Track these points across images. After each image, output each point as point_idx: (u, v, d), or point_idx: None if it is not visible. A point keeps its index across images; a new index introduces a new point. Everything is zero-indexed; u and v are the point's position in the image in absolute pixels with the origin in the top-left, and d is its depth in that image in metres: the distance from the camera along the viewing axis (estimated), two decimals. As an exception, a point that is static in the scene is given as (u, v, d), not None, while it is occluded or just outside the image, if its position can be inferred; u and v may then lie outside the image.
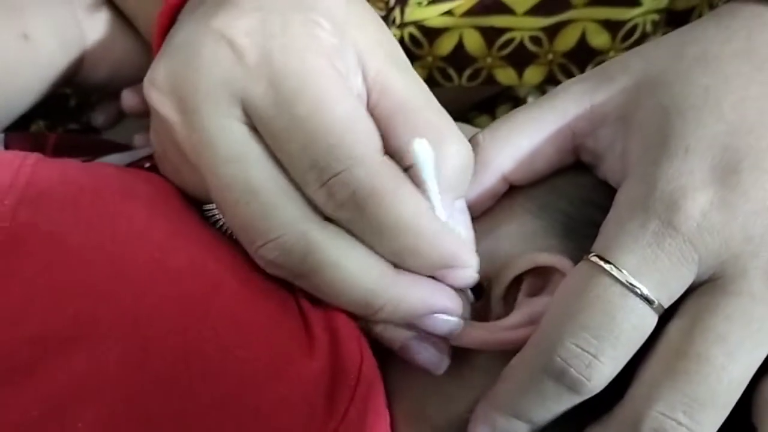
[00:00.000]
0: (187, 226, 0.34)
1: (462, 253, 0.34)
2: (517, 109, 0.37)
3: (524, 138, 0.36)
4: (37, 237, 0.32)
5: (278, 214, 0.32)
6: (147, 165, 0.43)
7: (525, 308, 0.34)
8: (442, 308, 0.34)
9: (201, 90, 0.33)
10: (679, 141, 0.31)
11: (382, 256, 0.33)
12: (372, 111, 0.34)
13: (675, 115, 0.32)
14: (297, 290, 0.35)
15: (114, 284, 0.31)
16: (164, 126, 0.35)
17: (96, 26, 0.49)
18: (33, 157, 0.34)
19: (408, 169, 0.33)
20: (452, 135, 0.34)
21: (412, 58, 0.52)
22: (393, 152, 0.34)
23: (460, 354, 0.35)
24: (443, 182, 0.33)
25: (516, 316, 0.34)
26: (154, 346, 0.31)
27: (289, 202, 0.32)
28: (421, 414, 0.36)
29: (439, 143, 0.33)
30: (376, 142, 0.33)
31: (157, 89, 0.34)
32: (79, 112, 0.57)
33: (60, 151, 0.47)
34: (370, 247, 0.33)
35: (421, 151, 0.32)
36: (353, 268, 0.33)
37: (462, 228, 0.35)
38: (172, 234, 0.33)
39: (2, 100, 0.46)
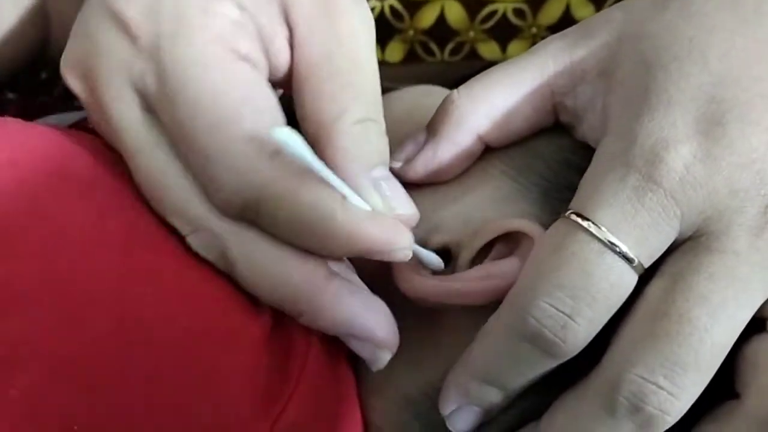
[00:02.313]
0: (131, 190, 0.32)
1: (388, 236, 0.30)
2: (494, 66, 0.35)
3: (501, 96, 0.34)
4: None
5: (189, 209, 0.30)
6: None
7: (485, 265, 0.33)
8: (366, 335, 0.31)
9: (102, 77, 0.31)
10: (662, 93, 0.30)
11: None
12: (293, 64, 0.32)
13: (657, 68, 0.31)
14: None
15: (48, 248, 0.29)
16: (86, 108, 0.33)
17: (61, 4, 0.47)
18: None
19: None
20: (357, 106, 0.31)
21: (393, 31, 0.51)
22: (304, 117, 0.31)
23: (430, 319, 0.34)
24: (350, 155, 0.31)
25: (473, 271, 0.32)
26: (89, 311, 0.29)
27: (198, 199, 0.30)
28: (391, 383, 0.35)
29: (341, 114, 0.31)
30: (269, 138, 0.29)
31: (70, 71, 0.32)
32: (51, 85, 0.55)
33: (24, 116, 0.45)
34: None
35: (285, 142, 0.28)
36: (271, 271, 0.30)
37: (394, 197, 0.32)
38: (113, 197, 0.31)
39: None
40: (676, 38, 0.31)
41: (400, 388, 0.34)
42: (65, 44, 0.45)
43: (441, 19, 0.50)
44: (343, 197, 0.30)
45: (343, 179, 0.30)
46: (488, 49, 0.51)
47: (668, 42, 0.31)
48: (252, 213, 0.30)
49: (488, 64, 0.53)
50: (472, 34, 0.51)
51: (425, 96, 0.42)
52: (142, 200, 0.32)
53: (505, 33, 0.50)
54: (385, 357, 0.32)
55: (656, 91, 0.30)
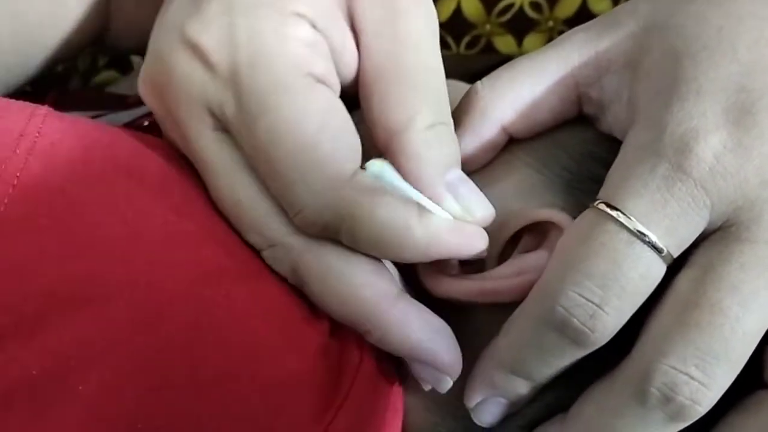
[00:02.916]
0: (201, 190, 0.33)
1: (467, 242, 0.31)
2: (519, 57, 0.35)
3: (526, 87, 0.34)
4: (49, 190, 0.30)
5: (266, 227, 0.31)
6: (146, 123, 0.41)
7: (515, 261, 0.32)
8: (431, 360, 0.31)
9: (181, 103, 0.31)
10: (691, 83, 0.30)
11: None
12: (359, 69, 0.32)
13: (686, 57, 0.30)
14: None
15: (126, 245, 0.29)
16: (162, 123, 0.34)
17: None
18: (44, 109, 0.32)
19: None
20: (427, 111, 0.31)
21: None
22: (374, 122, 0.32)
23: (458, 318, 0.34)
24: (424, 161, 0.31)
25: (504, 268, 0.32)
26: (165, 310, 0.29)
27: (275, 216, 0.31)
28: (417, 384, 0.34)
29: (412, 119, 0.31)
30: (346, 160, 0.30)
31: (146, 88, 0.33)
32: (66, 79, 0.55)
33: (60, 106, 0.45)
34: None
35: (378, 172, 0.29)
36: (343, 288, 0.31)
37: (471, 198, 0.32)
38: (186, 196, 0.32)
39: (25, 59, 0.43)
40: (705, 28, 0.31)
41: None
42: (124, 34, 0.45)
43: (457, 12, 0.50)
44: (420, 210, 0.30)
45: (420, 186, 0.30)
46: (504, 42, 0.51)
47: (697, 32, 0.31)
48: (332, 232, 0.30)
49: (504, 58, 0.53)
50: (488, 27, 0.50)
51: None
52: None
53: (521, 26, 0.50)
54: (447, 383, 0.32)
55: (685, 81, 0.30)
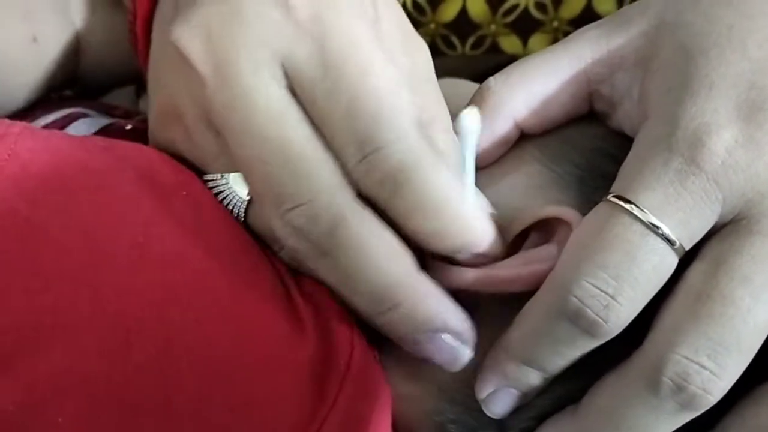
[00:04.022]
0: (174, 206, 0.32)
1: (486, 239, 0.32)
2: (532, 54, 0.35)
3: (538, 83, 0.34)
4: (14, 218, 0.30)
5: (312, 177, 0.30)
6: (129, 126, 0.41)
7: (523, 254, 0.33)
8: (455, 329, 0.32)
9: (241, 44, 0.31)
10: (703, 79, 0.30)
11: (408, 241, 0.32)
12: None
13: (698, 54, 0.31)
14: (286, 278, 0.33)
15: (93, 271, 0.29)
16: (191, 78, 0.32)
17: (90, 30, 0.47)
18: (18, 126, 0.32)
19: None
20: (447, 118, 0.33)
21: (415, 24, 0.51)
22: None
23: (467, 311, 0.34)
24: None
25: (512, 259, 0.33)
26: (135, 337, 0.29)
27: (325, 167, 0.31)
28: (425, 372, 0.35)
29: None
30: (416, 115, 0.31)
31: (190, 36, 0.32)
32: (72, 81, 0.55)
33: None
34: (400, 228, 0.31)
35: (468, 126, 0.31)
36: (380, 253, 0.31)
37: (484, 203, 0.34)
38: (156, 216, 0.31)
39: (7, 95, 0.43)
40: (716, 26, 0.31)
41: (435, 378, 0.34)
42: (94, 73, 0.45)
43: (463, 12, 0.50)
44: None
45: None
46: (509, 42, 0.52)
47: (708, 29, 0.31)
48: (391, 183, 0.30)
49: (509, 58, 0.54)
50: (493, 27, 0.51)
51: (453, 88, 0.43)
52: (190, 213, 0.32)
53: (526, 27, 0.51)
54: (467, 354, 0.32)
55: (697, 77, 0.30)
